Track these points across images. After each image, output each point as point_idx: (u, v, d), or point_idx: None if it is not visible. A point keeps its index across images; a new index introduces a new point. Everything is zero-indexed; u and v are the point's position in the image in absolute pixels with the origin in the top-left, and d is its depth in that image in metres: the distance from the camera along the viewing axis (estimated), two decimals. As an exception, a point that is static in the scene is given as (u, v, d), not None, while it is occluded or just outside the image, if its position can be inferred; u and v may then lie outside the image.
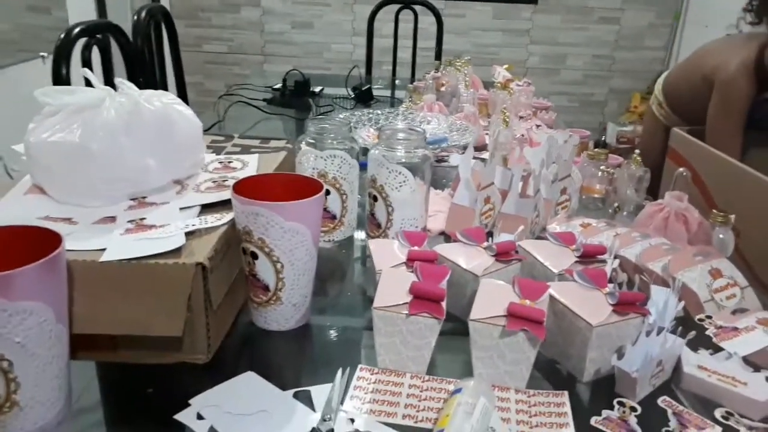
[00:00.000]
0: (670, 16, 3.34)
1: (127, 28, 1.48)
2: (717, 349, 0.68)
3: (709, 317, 0.74)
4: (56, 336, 0.51)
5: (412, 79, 2.20)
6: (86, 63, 1.21)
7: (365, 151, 0.97)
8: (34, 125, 0.70)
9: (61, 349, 0.53)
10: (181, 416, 0.55)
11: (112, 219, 0.67)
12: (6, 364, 0.48)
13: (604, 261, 0.74)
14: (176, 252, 0.58)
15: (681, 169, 0.93)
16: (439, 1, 2.87)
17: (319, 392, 0.59)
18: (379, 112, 1.49)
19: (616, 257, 0.76)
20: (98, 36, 1.27)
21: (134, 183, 0.72)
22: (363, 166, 0.92)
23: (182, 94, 1.85)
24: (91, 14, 2.61)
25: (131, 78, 1.33)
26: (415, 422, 0.56)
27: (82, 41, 1.22)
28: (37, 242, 0.52)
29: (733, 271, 0.78)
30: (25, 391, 0.50)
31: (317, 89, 1.84)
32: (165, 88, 1.78)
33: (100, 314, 0.57)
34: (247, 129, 1.50)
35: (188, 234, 0.62)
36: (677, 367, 0.64)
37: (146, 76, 1.43)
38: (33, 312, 0.48)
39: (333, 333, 0.73)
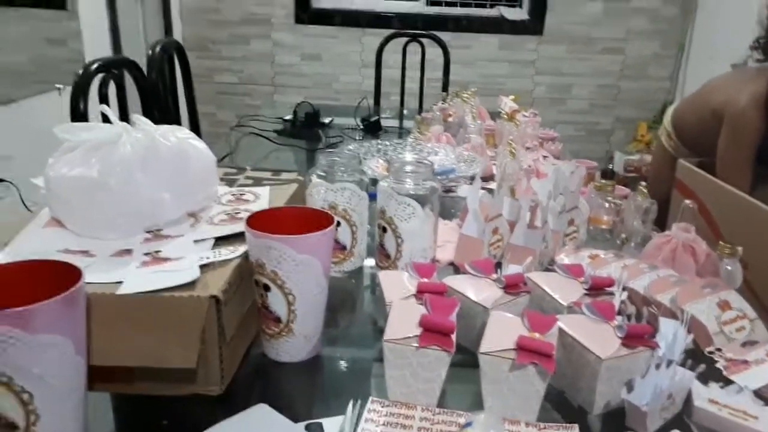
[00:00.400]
0: (675, 46, 3.38)
1: (141, 59, 1.52)
2: (727, 382, 0.68)
3: (719, 350, 0.74)
4: (75, 368, 0.52)
5: (420, 109, 2.23)
6: (103, 98, 1.24)
7: (374, 181, 0.99)
8: (53, 160, 0.73)
9: (79, 381, 0.54)
10: (195, 449, 0.56)
11: (129, 252, 0.68)
12: (26, 397, 0.49)
13: (612, 293, 0.75)
14: (191, 285, 0.60)
15: (687, 201, 0.94)
16: (445, 33, 2.93)
17: (331, 424, 0.60)
18: (387, 142, 1.51)
19: (624, 289, 0.76)
20: (114, 71, 1.31)
21: (150, 216, 0.73)
22: (372, 197, 0.93)
23: (195, 125, 1.89)
24: (106, 47, 2.67)
25: (146, 111, 1.36)
26: (426, 456, 0.57)
27: (98, 76, 1.25)
28: (57, 276, 0.53)
29: (742, 303, 0.78)
30: (44, 422, 0.51)
31: (327, 120, 1.87)
32: (178, 119, 1.82)
33: (117, 346, 0.58)
34: (258, 160, 1.52)
35: (203, 267, 0.63)
36: (688, 401, 0.64)
37: (161, 109, 1.46)
38: (53, 345, 0.49)
39: (344, 364, 0.73)
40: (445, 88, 2.43)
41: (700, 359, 0.69)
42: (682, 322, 0.69)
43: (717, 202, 1.05)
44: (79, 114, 1.16)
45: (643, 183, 1.05)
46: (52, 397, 0.51)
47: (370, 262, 0.97)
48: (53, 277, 0.53)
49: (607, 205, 1.09)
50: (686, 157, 1.59)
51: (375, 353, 0.74)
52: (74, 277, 0.52)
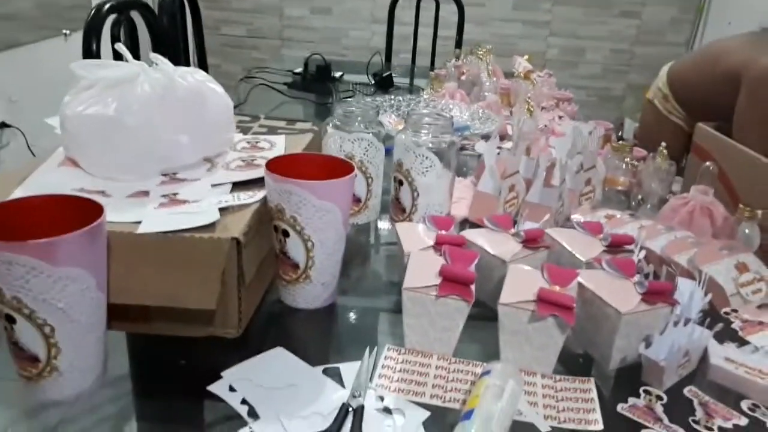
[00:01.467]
0: (693, 11, 3.31)
1: (150, 5, 1.48)
2: (743, 342, 0.68)
3: (735, 311, 0.74)
4: (96, 303, 0.52)
5: (432, 67, 2.19)
6: (115, 39, 1.21)
7: (388, 137, 0.98)
8: (69, 98, 0.71)
9: (100, 317, 0.54)
10: (214, 387, 0.56)
11: (146, 193, 0.68)
12: (48, 330, 0.49)
13: (630, 251, 0.74)
14: (211, 227, 0.59)
15: (708, 163, 0.92)
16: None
17: (348, 369, 0.60)
18: (400, 98, 1.49)
19: (641, 249, 0.76)
20: (126, 13, 1.28)
21: (166, 158, 0.72)
22: (386, 152, 0.92)
23: (204, 75, 1.86)
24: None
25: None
26: (443, 402, 0.57)
27: (110, 18, 1.22)
28: (77, 212, 0.53)
29: (760, 266, 0.78)
30: (66, 356, 0.51)
31: (338, 74, 1.84)
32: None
33: (136, 285, 0.57)
34: (268, 112, 1.50)
35: (222, 210, 0.62)
36: (704, 359, 0.65)
37: (172, 54, 1.43)
38: (75, 279, 0.49)
39: (358, 314, 0.73)
40: (458, 45, 2.38)
41: (717, 319, 0.69)
42: (700, 283, 0.69)
43: (735, 165, 1.04)
44: (91, 55, 1.14)
45: (663, 144, 1.04)
46: (74, 332, 0.51)
47: (383, 220, 0.96)
48: (74, 213, 0.52)
49: (624, 166, 1.08)
50: (683, 120, 1.59)
51: (388, 304, 0.75)
52: (96, 213, 0.52)
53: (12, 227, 0.50)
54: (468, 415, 0.51)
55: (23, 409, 0.54)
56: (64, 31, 2.28)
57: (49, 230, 0.48)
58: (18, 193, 0.63)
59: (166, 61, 0.73)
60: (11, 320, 0.49)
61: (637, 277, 0.65)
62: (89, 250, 0.50)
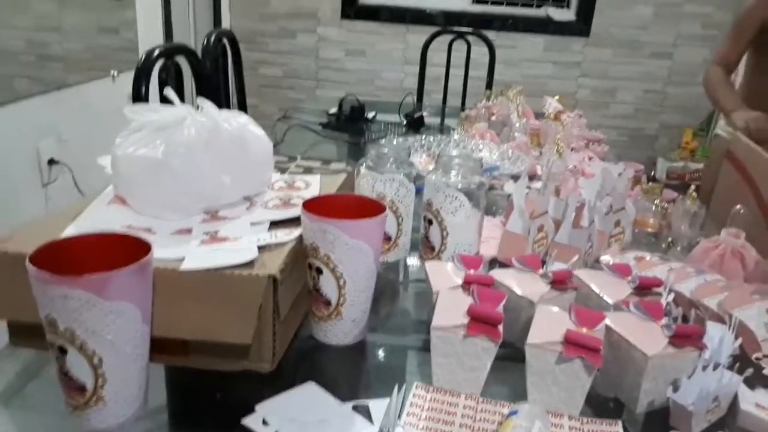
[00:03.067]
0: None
1: (194, 50, 1.56)
2: (775, 388, 0.67)
3: (767, 356, 0.73)
4: (141, 336, 0.55)
5: (462, 107, 2.23)
6: (163, 83, 1.29)
7: (418, 176, 1.01)
8: (120, 140, 0.76)
9: (144, 349, 0.57)
10: (248, 421, 0.58)
11: (189, 231, 0.71)
12: (97, 360, 0.52)
13: (659, 294, 0.75)
14: (249, 264, 0.62)
15: (738, 207, 0.92)
16: (490, 32, 2.91)
17: (377, 406, 0.61)
18: (431, 138, 1.52)
19: (670, 291, 0.76)
20: (173, 58, 1.35)
21: (209, 198, 0.76)
22: (417, 191, 0.95)
23: (243, 115, 1.93)
24: (158, 36, 2.75)
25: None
26: (470, 441, 0.58)
27: (158, 63, 1.30)
28: (127, 249, 0.56)
29: (793, 312, 0.77)
30: (111, 386, 0.54)
31: (370, 115, 1.89)
32: (229, 108, 1.87)
33: (177, 319, 0.60)
34: (304, 151, 1.55)
35: (260, 247, 0.65)
36: (733, 404, 0.64)
37: (215, 97, 1.50)
38: (124, 312, 0.52)
39: (387, 351, 0.75)
40: (489, 86, 2.42)
41: (747, 364, 0.68)
42: (730, 327, 0.69)
43: (766, 177, 1.02)
44: (140, 97, 1.21)
45: (692, 187, 1.04)
46: (120, 362, 0.54)
47: (413, 258, 0.98)
48: (124, 250, 0.56)
49: (653, 208, 1.09)
50: None
51: (416, 342, 0.76)
52: (143, 250, 0.55)
53: (67, 262, 0.53)
54: (494, 454, 0.52)
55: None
56: (112, 72, 2.40)
57: (101, 266, 0.52)
58: (71, 230, 0.68)
59: (211, 104, 0.78)
60: (63, 351, 0.52)
61: (665, 320, 0.66)
62: (137, 285, 0.54)
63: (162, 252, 0.64)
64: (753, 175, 1.02)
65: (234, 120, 0.78)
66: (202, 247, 0.66)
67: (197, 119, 0.75)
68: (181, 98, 1.40)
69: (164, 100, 0.79)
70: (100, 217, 0.74)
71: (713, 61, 1.93)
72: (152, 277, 0.57)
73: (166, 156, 0.72)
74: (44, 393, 0.62)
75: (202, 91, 1.41)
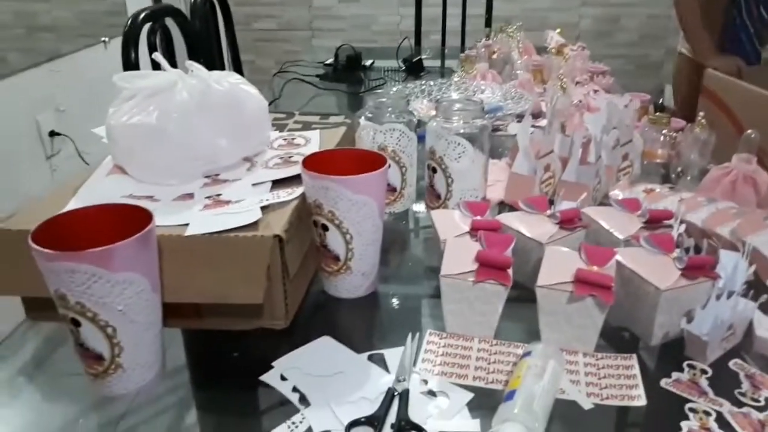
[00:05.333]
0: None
1: (182, 10, 1.52)
2: (790, 312, 0.67)
3: (782, 281, 0.72)
4: (152, 304, 0.56)
5: (462, 48, 2.17)
6: (152, 47, 1.26)
7: (420, 123, 0.99)
8: (113, 109, 0.75)
9: (156, 316, 0.57)
10: (266, 377, 0.59)
11: (190, 196, 0.71)
12: (110, 330, 0.53)
13: (670, 226, 0.74)
14: (254, 225, 0.62)
15: (749, 131, 0.90)
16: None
17: (392, 355, 0.62)
18: (432, 83, 1.49)
19: (681, 222, 0.75)
20: (160, 20, 1.32)
21: (208, 161, 0.75)
22: (420, 139, 0.93)
23: (239, 73, 1.90)
24: (146, -2, 2.68)
25: (192, 59, 1.37)
26: (486, 384, 0.59)
27: (146, 27, 1.27)
28: (129, 219, 0.56)
29: (807, 234, 0.76)
30: (127, 354, 0.55)
31: (368, 63, 1.85)
32: (223, 67, 1.83)
33: (187, 284, 0.61)
34: (302, 105, 1.53)
35: (263, 208, 0.65)
36: (749, 331, 0.64)
37: (207, 57, 1.47)
38: (132, 282, 0.52)
39: (399, 300, 0.75)
40: (488, 23, 2.35)
41: (762, 291, 0.68)
42: (743, 254, 0.68)
43: (744, 105, 1.03)
44: (130, 64, 1.18)
45: (702, 113, 1.01)
46: (133, 331, 0.55)
47: (419, 206, 0.98)
48: (126, 220, 0.56)
49: (662, 138, 1.06)
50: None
51: (427, 290, 0.76)
52: (146, 219, 0.55)
53: (71, 237, 0.53)
54: (510, 395, 0.53)
55: (91, 402, 0.58)
56: (103, 38, 2.36)
57: (105, 238, 0.52)
58: (73, 204, 0.67)
59: (201, 67, 0.76)
60: (77, 323, 0.53)
61: (676, 252, 0.65)
62: (142, 255, 0.53)
63: (166, 219, 0.64)
64: (729, 104, 1.03)
65: (225, 80, 0.76)
66: (205, 211, 0.66)
67: (188, 82, 0.73)
68: (173, 61, 1.37)
69: (155, 65, 0.77)
70: (100, 189, 0.73)
71: None
72: (157, 245, 0.57)
73: (160, 121, 0.71)
74: (67, 361, 0.63)
75: (193, 52, 1.38)
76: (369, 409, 0.54)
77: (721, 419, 0.54)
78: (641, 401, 0.56)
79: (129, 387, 0.57)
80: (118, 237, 0.52)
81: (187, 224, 0.63)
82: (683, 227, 0.74)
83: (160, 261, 0.59)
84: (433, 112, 0.92)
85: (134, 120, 0.72)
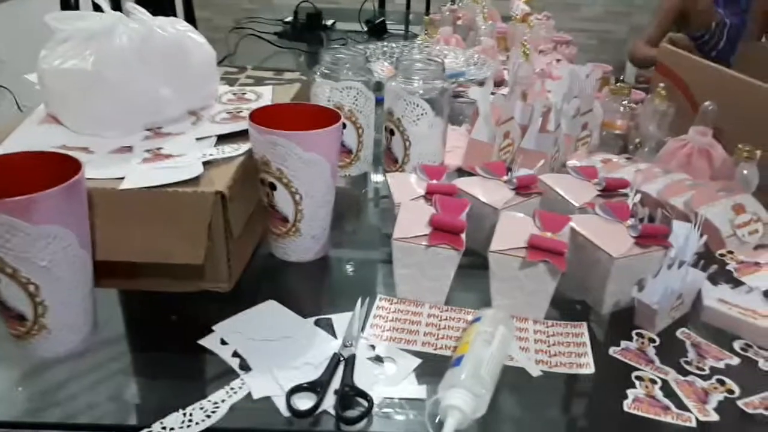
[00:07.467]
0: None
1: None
2: (738, 283, 0.67)
3: (731, 252, 0.73)
4: (80, 261, 0.52)
5: (427, 12, 2.13)
6: (94, -10, 1.17)
7: (379, 85, 0.95)
8: (45, 52, 0.69)
9: (85, 275, 0.53)
10: (205, 341, 0.56)
11: (129, 149, 0.66)
12: (33, 288, 0.49)
13: (625, 195, 0.73)
14: (195, 181, 0.58)
15: (707, 103, 0.90)
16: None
17: (340, 320, 0.60)
18: (393, 45, 1.45)
19: (637, 192, 0.74)
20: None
21: (149, 112, 0.70)
22: (378, 101, 0.90)
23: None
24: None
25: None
26: (435, 349, 0.57)
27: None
28: (56, 169, 0.51)
29: (756, 207, 0.77)
30: (53, 314, 0.51)
31: (329, 22, 1.79)
32: (175, 20, 1.74)
33: (121, 242, 0.57)
34: (258, 63, 1.47)
35: (206, 164, 0.61)
36: (697, 301, 0.64)
37: (156, 6, 1.39)
38: (56, 236, 0.48)
39: (351, 266, 0.73)
40: (454, -11, 2.30)
41: (712, 261, 0.68)
42: (695, 225, 0.68)
43: (696, 79, 1.06)
44: (69, 5, 1.10)
45: (662, 84, 1.01)
46: (59, 290, 0.51)
47: (376, 172, 0.95)
48: (53, 170, 0.51)
49: (622, 109, 1.06)
50: None
51: (381, 255, 0.74)
52: (74, 169, 0.51)
53: (-9, 186, 0.49)
54: (458, 361, 0.51)
55: (23, 369, 0.54)
56: (47, -16, 2.21)
57: (29, 188, 0.47)
58: (-3, 152, 0.62)
59: (143, 10, 0.71)
60: (-5, 280, 0.49)
61: (630, 221, 0.64)
62: (68, 208, 0.49)
63: (100, 171, 0.59)
64: (684, 79, 1.05)
65: (171, 26, 0.71)
66: (143, 165, 0.62)
67: (130, 26, 0.68)
68: (120, 7, 1.29)
69: (97, 10, 0.71)
70: (30, 138, 0.68)
71: (638, 39, 2.18)
72: (87, 198, 0.53)
73: (96, 67, 0.66)
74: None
75: (143, 2, 1.29)
76: (313, 375, 0.52)
77: (666, 387, 0.54)
78: (589, 369, 0.56)
79: (57, 350, 0.53)
80: (43, 187, 0.47)
81: (122, 178, 0.58)
82: (638, 197, 0.73)
83: (92, 216, 0.55)
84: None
85: (68, 64, 0.67)
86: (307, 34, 1.68)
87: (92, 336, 0.56)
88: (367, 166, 0.94)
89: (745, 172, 0.83)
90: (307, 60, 1.56)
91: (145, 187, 0.57)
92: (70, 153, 0.62)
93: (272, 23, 1.79)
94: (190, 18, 1.80)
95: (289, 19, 1.75)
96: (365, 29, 1.76)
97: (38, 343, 0.52)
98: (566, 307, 0.64)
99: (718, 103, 0.89)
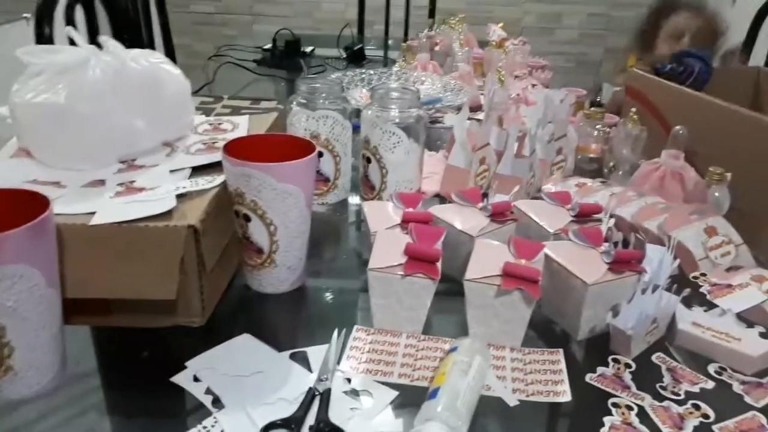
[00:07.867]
0: (668, -28, 3.27)
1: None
2: (711, 306, 0.68)
3: (704, 275, 0.74)
4: (48, 300, 0.51)
5: (405, 38, 2.15)
6: (70, 23, 1.17)
7: (358, 112, 0.96)
8: (18, 86, 0.68)
9: (53, 314, 0.52)
10: (178, 378, 0.55)
11: (102, 182, 0.66)
12: (-2, 329, 0.48)
13: (599, 220, 0.74)
14: (167, 215, 0.58)
15: (678, 128, 0.92)
16: (432, -42, 2.80)
17: (316, 353, 0.59)
18: (371, 72, 1.46)
19: (611, 216, 0.75)
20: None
21: (123, 145, 0.70)
22: (356, 128, 0.90)
23: (170, 56, 1.81)
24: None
25: (117, 39, 1.30)
26: (411, 381, 0.57)
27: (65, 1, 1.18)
28: (25, 206, 0.51)
29: (728, 229, 0.78)
30: (20, 355, 0.50)
31: (308, 49, 1.80)
32: (153, 50, 1.74)
33: (92, 278, 0.56)
34: (237, 91, 1.47)
35: (179, 196, 0.61)
36: (672, 324, 0.65)
37: (133, 37, 1.39)
38: (22, 276, 0.47)
39: (328, 295, 0.73)
40: (431, 15, 2.34)
41: (686, 284, 0.69)
42: (669, 248, 0.68)
43: (666, 101, 1.08)
44: (44, 40, 1.10)
45: (634, 109, 1.03)
46: (26, 331, 0.50)
47: (355, 198, 0.95)
48: (20, 208, 0.50)
49: (596, 133, 1.07)
50: None
51: (359, 284, 0.74)
52: (42, 207, 0.50)
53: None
54: (434, 393, 0.51)
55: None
56: (24, 15, 2.21)
57: (-4, 226, 0.46)
58: (-35, 189, 0.61)
59: (117, 44, 0.71)
60: (-40, 321, 0.47)
61: (604, 246, 0.65)
62: (36, 246, 0.48)
63: (70, 207, 0.59)
64: (654, 102, 1.07)
65: (144, 59, 0.71)
66: (115, 199, 0.61)
67: (102, 59, 0.68)
68: (96, 41, 1.29)
69: (73, 44, 0.71)
70: (1, 172, 0.67)
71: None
72: (56, 236, 0.52)
73: (69, 100, 0.65)
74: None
75: (118, 32, 1.30)
76: (287, 410, 0.51)
77: (642, 413, 0.54)
78: (566, 397, 0.56)
79: (23, 392, 0.52)
80: (10, 226, 0.47)
81: (93, 213, 0.58)
82: (613, 221, 0.74)
83: (62, 253, 0.54)
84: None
85: (40, 98, 0.66)
86: (286, 61, 1.69)
87: (61, 375, 0.55)
88: (345, 193, 0.94)
89: (716, 194, 0.84)
90: (287, 87, 1.57)
91: (116, 222, 0.56)
92: (41, 188, 0.61)
93: (251, 51, 1.80)
94: (168, 45, 1.81)
95: (268, 46, 1.76)
96: (344, 56, 1.77)
97: (4, 385, 0.51)
98: (543, 334, 0.64)
99: (691, 126, 0.91)
